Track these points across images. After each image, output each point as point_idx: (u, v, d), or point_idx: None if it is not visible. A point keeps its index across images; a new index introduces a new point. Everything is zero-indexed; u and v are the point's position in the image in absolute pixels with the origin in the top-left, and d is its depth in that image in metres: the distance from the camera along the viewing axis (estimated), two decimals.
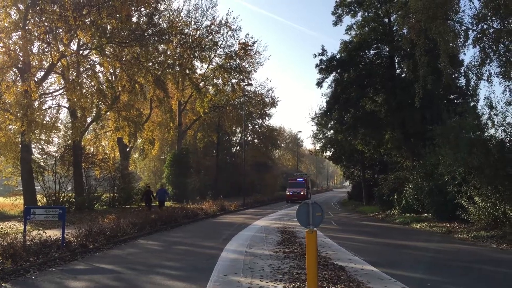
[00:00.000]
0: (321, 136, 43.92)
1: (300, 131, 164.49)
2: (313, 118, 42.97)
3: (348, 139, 36.51)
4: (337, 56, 33.18)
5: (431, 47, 24.99)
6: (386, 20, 32.90)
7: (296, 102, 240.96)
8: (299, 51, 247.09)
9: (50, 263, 11.57)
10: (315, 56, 33.29)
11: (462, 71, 29.77)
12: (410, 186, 26.52)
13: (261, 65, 48.94)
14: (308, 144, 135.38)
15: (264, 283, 8.90)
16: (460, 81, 30.75)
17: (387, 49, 32.57)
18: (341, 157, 45.37)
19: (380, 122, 32.53)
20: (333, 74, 33.72)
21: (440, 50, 20.92)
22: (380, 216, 30.09)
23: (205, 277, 9.65)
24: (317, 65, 32.88)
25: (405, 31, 26.42)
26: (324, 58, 32.89)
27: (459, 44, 21.70)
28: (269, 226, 22.32)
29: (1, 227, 13.82)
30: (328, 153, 46.00)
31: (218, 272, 10.29)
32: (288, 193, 53.41)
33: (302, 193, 52.02)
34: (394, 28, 31.84)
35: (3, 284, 9.36)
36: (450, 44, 20.81)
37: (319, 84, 33.52)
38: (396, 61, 33.53)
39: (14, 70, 27.05)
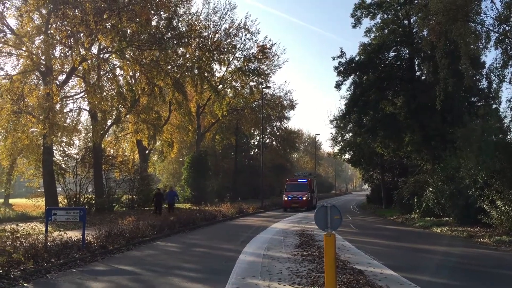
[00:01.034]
0: (339, 139, 43.71)
1: (319, 134, 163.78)
2: (331, 121, 42.84)
3: (367, 142, 36.26)
4: (356, 59, 32.98)
5: (452, 49, 24.69)
6: (406, 22, 32.61)
7: (315, 105, 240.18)
8: (318, 53, 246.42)
9: (71, 264, 11.73)
10: (333, 58, 33.21)
11: (483, 73, 29.35)
12: (431, 189, 26.19)
13: (279, 67, 48.89)
14: (327, 146, 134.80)
15: (282, 286, 8.88)
16: (481, 84, 30.31)
17: (407, 51, 32.28)
18: (360, 160, 45.00)
19: (399, 124, 32.22)
20: (352, 77, 33.54)
21: (461, 52, 20.65)
22: (399, 220, 29.76)
23: (223, 279, 9.67)
24: (335, 68, 32.77)
25: (425, 33, 26.14)
26: (343, 60, 32.77)
27: (481, 46, 21.42)
28: (287, 228, 22.26)
29: (23, 228, 14.07)
30: (347, 156, 45.69)
31: (236, 274, 10.30)
32: (285, 198, 39.90)
33: (304, 198, 39.42)
34: (414, 30, 31.53)
35: (25, 284, 9.52)
36: (472, 46, 20.54)
37: (338, 86, 33.38)
38: (416, 63, 33.20)
39: (36, 73, 27.54)
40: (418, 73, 33.66)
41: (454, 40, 21.11)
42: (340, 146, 44.06)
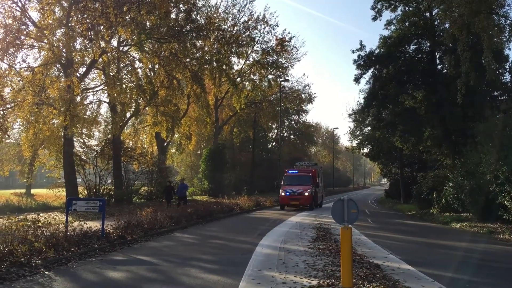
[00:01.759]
0: (358, 133, 43.41)
1: (337, 128, 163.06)
2: (350, 115, 42.54)
3: (387, 136, 35.93)
4: (376, 52, 32.62)
5: (474, 42, 24.26)
6: (428, 14, 32.07)
7: (333, 98, 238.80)
8: (337, 46, 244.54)
9: (90, 253, 11.92)
10: (353, 51, 32.92)
11: (507, 67, 28.78)
12: (450, 184, 25.89)
13: (298, 60, 48.65)
14: (345, 140, 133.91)
15: (299, 279, 8.89)
16: (504, 77, 29.77)
17: (428, 44, 31.82)
18: (378, 154, 44.61)
19: (419, 119, 31.85)
20: (371, 70, 33.21)
21: (483, 45, 20.28)
22: (418, 215, 29.54)
23: (240, 271, 9.72)
24: (355, 61, 32.49)
25: (447, 25, 25.70)
26: (362, 53, 32.45)
27: (504, 39, 21.00)
28: (304, 222, 22.26)
29: (44, 218, 14.31)
30: (365, 150, 45.35)
31: (253, 266, 10.34)
32: (282, 194, 31.91)
33: (306, 194, 31.32)
34: (436, 23, 31.00)
35: (46, 272, 9.70)
36: (495, 39, 20.17)
37: (357, 80, 33.10)
38: (437, 56, 32.70)
39: (57, 66, 27.88)
40: (439, 67, 33.16)
41: (476, 33, 20.71)
42: (358, 140, 43.78)
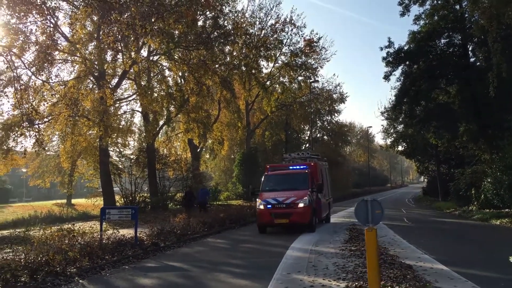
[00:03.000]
0: (391, 131, 42.71)
1: (371, 126, 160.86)
2: (382, 113, 41.88)
3: (421, 133, 35.19)
4: (405, 48, 31.99)
5: (505, 33, 23.48)
6: (457, 7, 31.22)
7: (366, 96, 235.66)
8: (366, 44, 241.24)
9: (124, 261, 12.20)
10: (381, 49, 32.36)
11: None
12: (489, 180, 25.10)
13: (327, 61, 48.24)
14: (380, 139, 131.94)
15: (327, 282, 8.83)
16: None
17: (459, 37, 30.99)
18: (414, 151, 43.72)
19: (453, 114, 31.03)
20: (401, 67, 32.55)
21: None
22: (456, 213, 28.77)
23: (268, 275, 9.72)
24: (383, 58, 31.95)
25: (476, 17, 24.98)
26: (391, 50, 31.88)
27: None
28: (337, 223, 22.08)
29: (79, 227, 14.77)
30: (400, 148, 44.54)
31: (282, 270, 10.33)
32: (260, 206, 18.41)
33: (301, 204, 17.79)
34: (466, 15, 30.18)
35: (80, 281, 10.00)
36: None
37: (387, 77, 32.53)
38: (470, 49, 31.81)
39: (90, 78, 28.68)
40: (472, 60, 32.24)
41: (507, 23, 20.06)
42: (392, 138, 43.04)
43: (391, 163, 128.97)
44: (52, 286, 9.39)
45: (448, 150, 38.75)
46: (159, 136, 38.69)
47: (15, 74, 19.30)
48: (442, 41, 32.32)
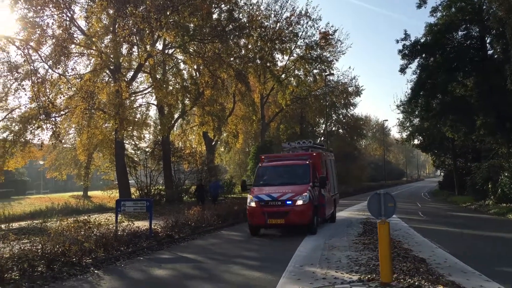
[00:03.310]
0: (407, 124, 42.28)
1: (387, 120, 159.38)
2: (398, 106, 41.43)
3: (438, 126, 34.78)
4: (422, 40, 31.53)
5: None
6: None
7: (382, 89, 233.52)
8: (381, 35, 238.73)
9: (139, 252, 12.33)
10: (397, 41, 31.94)
11: None
12: (506, 174, 24.77)
13: (342, 54, 47.64)
14: (396, 132, 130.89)
15: (339, 274, 8.81)
16: None
17: (477, 29, 30.44)
18: (430, 145, 43.23)
19: (471, 107, 30.59)
20: (417, 59, 32.12)
21: None
22: (472, 207, 28.45)
23: (281, 267, 9.75)
24: (399, 51, 31.53)
25: (494, 8, 24.48)
26: (407, 43, 31.45)
27: None
28: (351, 217, 21.97)
29: (95, 219, 14.97)
30: (416, 142, 44.07)
31: (295, 262, 10.36)
32: (252, 204, 15.56)
33: (300, 202, 15.02)
34: (484, 7, 29.60)
35: (95, 271, 10.14)
36: None
37: (403, 70, 32.11)
38: (488, 41, 31.25)
39: (106, 71, 28.89)
40: (490, 52, 31.67)
41: None
42: (408, 132, 42.61)
43: (407, 156, 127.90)
44: (68, 276, 9.53)
45: (465, 144, 38.28)
46: (174, 129, 38.86)
47: (32, 67, 19.53)
48: (460, 33, 31.81)
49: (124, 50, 26.73)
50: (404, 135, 43.73)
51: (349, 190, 49.84)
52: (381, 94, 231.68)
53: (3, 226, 17.89)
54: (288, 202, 14.88)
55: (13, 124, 28.24)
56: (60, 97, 24.83)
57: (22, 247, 10.66)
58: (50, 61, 20.72)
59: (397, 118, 69.48)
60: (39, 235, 13.27)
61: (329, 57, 45.83)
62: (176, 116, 34.95)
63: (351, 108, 62.39)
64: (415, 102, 33.54)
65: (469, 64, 31.08)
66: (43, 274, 9.41)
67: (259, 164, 18.20)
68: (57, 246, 10.51)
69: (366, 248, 11.98)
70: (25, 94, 31.65)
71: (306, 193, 15.15)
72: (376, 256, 10.63)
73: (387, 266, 7.38)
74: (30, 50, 19.41)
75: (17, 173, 52.37)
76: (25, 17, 20.34)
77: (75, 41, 24.83)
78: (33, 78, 19.31)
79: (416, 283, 7.55)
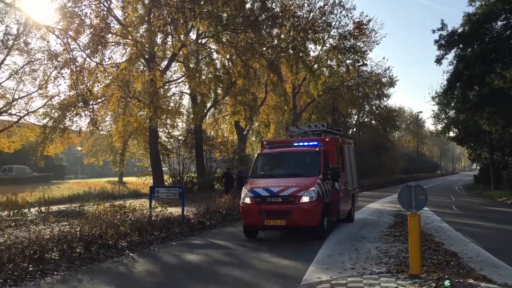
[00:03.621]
0: (443, 116, 41.45)
1: (421, 112, 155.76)
2: (433, 98, 40.58)
3: (474, 119, 33.97)
4: (459, 30, 30.76)
5: None
6: None
7: (417, 80, 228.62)
8: (417, 25, 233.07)
9: (171, 237, 12.70)
10: (433, 31, 31.22)
11: None
12: None
13: (377, 44, 46.93)
14: (430, 124, 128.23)
15: (368, 265, 8.89)
16: None
17: None
18: (466, 138, 42.26)
19: (509, 99, 29.71)
20: (454, 50, 31.36)
21: None
22: (509, 201, 27.82)
23: (310, 256, 9.89)
24: (436, 41, 30.83)
25: None
26: (444, 33, 30.72)
27: None
28: (382, 209, 21.85)
29: (130, 204, 15.43)
30: (451, 134, 43.18)
31: (324, 252, 10.48)
32: (246, 199, 12.55)
33: (305, 199, 12.01)
34: None
35: (130, 254, 10.53)
36: None
37: (439, 61, 31.45)
38: None
39: (141, 60, 29.44)
40: None
41: None
42: (443, 124, 41.76)
43: (441, 149, 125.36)
44: (104, 258, 9.95)
45: (502, 137, 37.21)
46: (207, 118, 39.28)
47: (71, 56, 20.10)
48: (499, 23, 30.81)
49: (158, 39, 27.22)
50: (439, 127, 42.86)
51: (380, 182, 49.38)
52: (416, 85, 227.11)
53: (43, 208, 18.60)
54: (290, 199, 11.99)
55: (53, 111, 29.22)
56: (97, 85, 25.49)
57: (62, 229, 11.14)
58: (88, 50, 21.26)
59: (432, 110, 68.19)
60: (77, 218, 13.80)
61: (362, 47, 45.22)
62: (208, 105, 35.34)
63: (385, 99, 61.47)
64: (451, 94, 32.83)
65: (509, 55, 30.15)
66: (81, 255, 9.85)
67: (259, 152, 15.20)
68: (95, 229, 10.95)
69: (396, 240, 11.98)
70: (64, 82, 32.55)
71: (314, 188, 12.13)
72: (407, 248, 10.59)
73: (417, 258, 7.42)
74: (69, 39, 19.95)
75: (56, 158, 53.96)
76: (64, 6, 20.96)
77: (111, 30, 25.35)
78: (71, 66, 19.88)
79: (446, 276, 7.56)
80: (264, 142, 16.09)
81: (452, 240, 12.21)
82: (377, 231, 13.96)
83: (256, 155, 14.89)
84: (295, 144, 15.09)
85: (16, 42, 28.28)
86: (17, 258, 8.84)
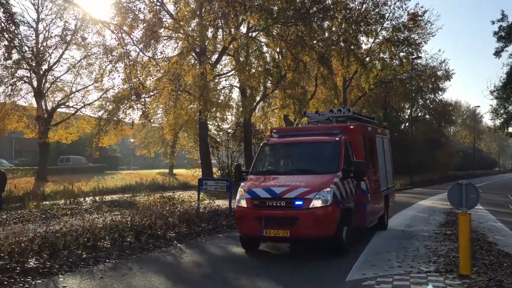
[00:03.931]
0: (501, 111, 39.59)
1: (479, 106, 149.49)
2: (492, 92, 38.81)
3: None
4: None
5: None
6: None
7: (474, 73, 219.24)
8: (474, 15, 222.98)
9: (218, 230, 12.90)
10: (493, 22, 29.88)
11: None
12: None
13: (432, 36, 45.32)
14: (488, 119, 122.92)
15: (416, 264, 8.68)
16: None
17: None
18: None
19: None
20: None
21: None
22: None
23: (356, 253, 9.77)
24: (495, 33, 29.51)
25: None
26: (504, 24, 29.31)
27: None
28: (434, 206, 21.24)
29: (179, 195, 15.78)
30: (510, 130, 41.17)
31: (371, 249, 10.33)
32: (242, 202, 10.02)
33: (315, 202, 9.34)
34: None
35: (178, 244, 10.78)
36: None
37: (498, 53, 30.09)
38: None
39: (192, 54, 29.92)
40: None
41: None
42: (502, 119, 39.90)
43: (500, 145, 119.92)
44: (153, 248, 10.24)
45: None
46: (256, 111, 39.42)
47: (125, 50, 20.72)
48: None
49: (209, 33, 27.53)
50: (498, 122, 40.99)
51: (433, 178, 47.95)
52: (473, 78, 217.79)
53: (97, 198, 19.35)
54: (297, 203, 9.40)
55: (107, 103, 30.30)
56: (150, 79, 26.19)
57: (114, 219, 11.57)
58: (141, 44, 21.82)
59: (490, 105, 65.31)
60: (129, 208, 14.28)
61: (417, 39, 43.82)
62: (257, 98, 35.43)
63: (440, 93, 59.55)
64: (511, 88, 31.33)
65: None
66: (131, 245, 10.18)
67: (264, 142, 12.72)
68: (145, 219, 11.30)
69: (447, 239, 11.62)
70: (118, 76, 33.74)
71: (329, 188, 9.46)
72: (457, 247, 10.29)
73: (467, 258, 7.18)
74: (123, 34, 20.56)
75: (110, 149, 55.95)
76: (119, 2, 21.60)
77: (164, 25, 25.92)
78: (125, 60, 20.50)
79: (498, 278, 7.27)
80: (274, 130, 12.83)
81: (506, 240, 11.76)
82: (427, 229, 13.60)
83: (260, 146, 12.24)
84: (309, 132, 12.28)
85: (73, 37, 29.48)
86: (72, 245, 9.26)
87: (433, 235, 12.25)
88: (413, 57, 44.06)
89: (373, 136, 13.34)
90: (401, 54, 44.72)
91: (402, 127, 64.73)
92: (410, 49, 43.84)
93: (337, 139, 10.83)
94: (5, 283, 7.23)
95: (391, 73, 45.13)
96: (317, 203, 9.28)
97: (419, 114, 62.20)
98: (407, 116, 61.26)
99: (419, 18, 42.55)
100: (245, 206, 9.85)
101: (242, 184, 10.59)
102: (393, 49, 42.55)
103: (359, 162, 10.59)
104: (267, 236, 9.59)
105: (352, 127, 11.90)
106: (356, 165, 10.45)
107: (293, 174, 10.52)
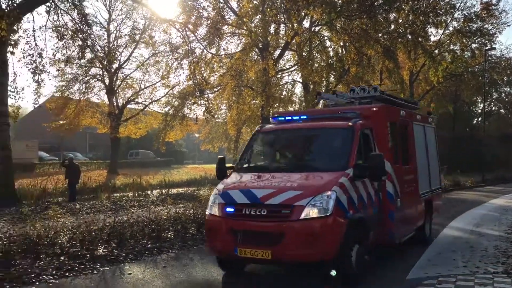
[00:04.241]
0: None
1: None
2: None
3: None
4: None
5: None
6: None
7: None
8: None
9: None
10: None
11: None
12: None
13: (508, 25, 42.84)
14: None
15: (482, 264, 8.31)
16: None
17: None
18: None
19: None
20: None
21: None
22: None
23: (419, 252, 9.51)
24: None
25: None
26: None
27: None
28: (507, 205, 20.13)
29: None
30: None
31: (434, 248, 10.01)
32: (214, 210, 7.51)
33: (309, 210, 6.69)
34: None
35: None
36: None
37: None
38: None
39: (255, 50, 30.17)
40: None
41: None
42: None
43: None
44: None
45: None
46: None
47: (189, 47, 21.32)
48: None
49: (272, 29, 27.64)
50: None
51: (508, 176, 45.30)
52: None
53: (163, 191, 20.07)
54: (283, 212, 6.88)
55: (173, 99, 31.30)
56: (213, 75, 26.74)
57: (177, 211, 11.96)
58: (205, 41, 22.38)
59: None
60: (192, 201, 14.67)
61: (491, 29, 41.60)
62: None
63: None
64: None
65: None
66: (193, 236, 10.50)
67: (257, 129, 9.67)
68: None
69: None
70: (183, 73, 34.77)
71: (330, 192, 6.88)
72: None
73: None
74: (188, 31, 21.15)
75: (176, 144, 57.68)
76: (184, 1, 22.23)
77: (227, 21, 26.34)
78: (190, 57, 21.10)
79: None
80: (276, 115, 10.43)
81: None
82: (498, 228, 12.93)
83: (252, 135, 9.51)
84: (318, 116, 9.32)
85: (142, 36, 30.67)
86: (138, 235, 9.72)
87: (504, 235, 11.63)
88: (487, 48, 41.84)
89: (409, 123, 10.17)
90: (473, 45, 42.60)
91: (474, 122, 61.79)
92: (483, 40, 41.67)
93: (350, 124, 8.04)
94: (76, 269, 7.73)
95: (462, 66, 43.11)
96: (311, 212, 6.72)
97: (493, 108, 59.12)
98: (479, 111, 58.35)
99: (493, 7, 40.30)
100: (216, 214, 7.42)
101: (220, 183, 8.19)
102: (464, 40, 40.59)
103: (376, 155, 7.69)
104: (242, 257, 7.04)
105: (375, 109, 9.00)
106: (371, 159, 7.59)
107: (285, 171, 8.02)
